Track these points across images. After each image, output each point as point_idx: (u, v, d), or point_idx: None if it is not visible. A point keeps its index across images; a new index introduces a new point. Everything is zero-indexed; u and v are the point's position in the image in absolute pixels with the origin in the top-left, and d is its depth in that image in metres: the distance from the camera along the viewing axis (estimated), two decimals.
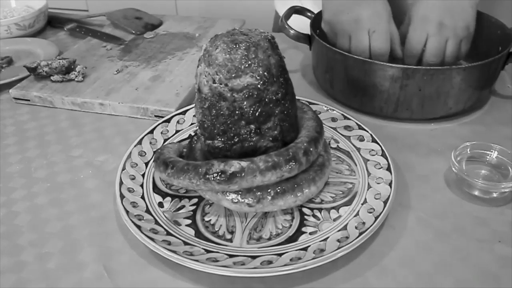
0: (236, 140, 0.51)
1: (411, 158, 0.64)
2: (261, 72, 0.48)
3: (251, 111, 0.49)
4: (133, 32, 0.99)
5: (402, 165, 0.63)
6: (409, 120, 0.71)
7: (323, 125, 0.62)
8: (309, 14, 0.86)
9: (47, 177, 0.63)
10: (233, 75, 0.48)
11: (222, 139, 0.51)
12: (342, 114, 0.68)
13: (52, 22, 1.10)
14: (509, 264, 0.49)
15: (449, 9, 0.71)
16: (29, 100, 0.79)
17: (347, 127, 0.66)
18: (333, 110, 0.68)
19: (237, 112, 0.49)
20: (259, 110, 0.49)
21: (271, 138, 0.52)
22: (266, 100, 0.49)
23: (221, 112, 0.49)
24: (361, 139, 0.63)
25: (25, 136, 0.72)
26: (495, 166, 0.60)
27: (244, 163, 0.49)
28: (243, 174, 0.48)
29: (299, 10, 0.86)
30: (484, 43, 0.80)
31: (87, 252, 0.51)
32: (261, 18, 1.28)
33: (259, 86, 0.48)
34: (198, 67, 0.50)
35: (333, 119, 0.67)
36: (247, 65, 0.47)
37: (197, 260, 0.46)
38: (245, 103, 0.49)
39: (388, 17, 0.72)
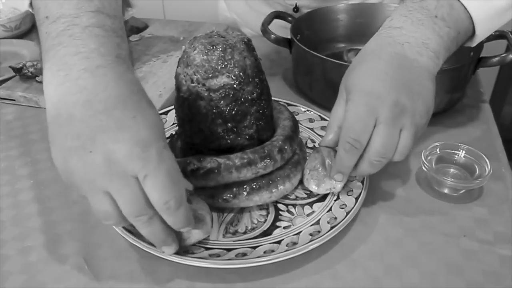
0: (213, 138, 0.53)
1: None
2: (237, 72, 0.50)
3: (227, 110, 0.51)
4: None
5: None
6: None
7: (300, 125, 0.65)
8: (290, 18, 0.88)
9: (31, 174, 0.64)
10: (210, 75, 0.50)
11: (200, 137, 0.53)
12: (319, 115, 0.70)
13: None
14: (472, 257, 0.51)
15: (405, 84, 0.50)
16: (14, 100, 0.80)
17: (323, 128, 0.68)
18: (311, 111, 0.71)
19: (214, 111, 0.51)
20: (235, 109, 0.51)
21: (247, 137, 0.54)
22: (242, 99, 0.51)
23: (199, 111, 0.52)
24: None
25: (9, 135, 0.73)
26: (463, 165, 0.63)
27: (220, 160, 0.51)
28: (219, 171, 0.51)
29: (280, 15, 0.89)
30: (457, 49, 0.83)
31: (69, 246, 0.53)
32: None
33: (235, 86, 0.50)
34: (177, 67, 0.52)
35: (311, 120, 0.70)
36: (223, 66, 0.49)
37: (174, 253, 0.48)
38: (221, 102, 0.51)
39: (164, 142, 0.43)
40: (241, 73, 0.50)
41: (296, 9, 1.03)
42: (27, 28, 1.07)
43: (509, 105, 2.05)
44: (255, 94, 0.52)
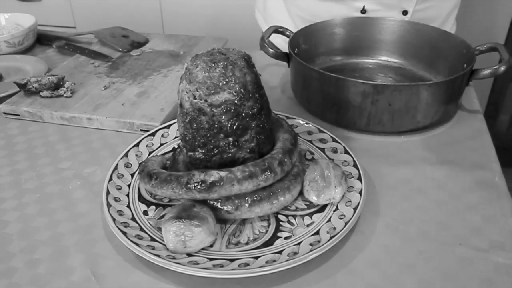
0: (215, 151, 0.55)
1: (382, 168, 0.69)
2: (237, 88, 0.52)
3: (229, 125, 0.53)
4: (120, 49, 1.02)
5: (373, 174, 0.67)
6: (381, 133, 0.76)
7: (299, 138, 0.67)
8: (288, 33, 0.91)
9: (37, 188, 0.66)
10: (212, 92, 0.52)
11: (203, 151, 0.55)
12: (318, 128, 0.72)
13: (41, 39, 1.13)
14: (468, 264, 0.53)
15: None
16: (19, 115, 0.82)
17: (322, 140, 0.70)
18: (309, 124, 0.73)
19: (216, 125, 0.53)
20: (236, 124, 0.53)
21: (248, 150, 0.56)
22: (243, 114, 0.53)
23: (201, 126, 0.53)
24: (335, 151, 0.68)
25: (15, 149, 0.75)
26: None
27: (223, 173, 0.52)
28: (222, 183, 0.52)
29: (279, 30, 0.91)
30: (451, 61, 0.86)
31: (75, 257, 0.54)
32: (246, 36, 1.33)
33: (236, 101, 0.52)
34: (180, 84, 0.54)
35: (309, 133, 0.72)
36: (224, 82, 0.51)
37: (179, 263, 0.49)
38: (223, 117, 0.53)
39: None
40: (241, 89, 0.52)
41: (364, 11, 1.01)
42: (30, 44, 1.09)
43: (504, 114, 2.08)
44: (255, 109, 0.54)
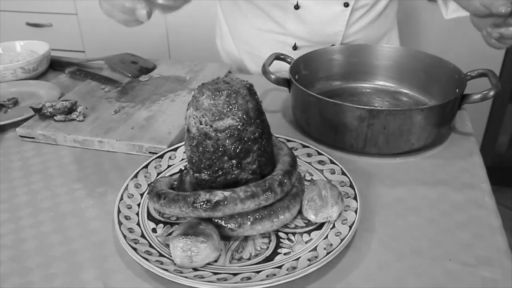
0: (220, 173, 0.59)
1: (377, 188, 0.72)
2: (240, 115, 0.56)
3: (232, 148, 0.57)
4: (129, 75, 1.07)
5: (369, 194, 0.71)
6: (377, 155, 0.80)
7: (299, 159, 0.71)
8: (289, 60, 0.96)
9: (52, 207, 0.70)
10: (216, 118, 0.56)
11: (208, 172, 0.59)
12: (316, 150, 0.76)
13: (53, 65, 1.19)
14: (456, 279, 0.56)
15: None
16: (34, 138, 0.87)
17: (320, 162, 0.74)
18: (309, 146, 0.77)
19: (220, 149, 0.57)
20: (239, 147, 0.58)
21: (250, 171, 0.60)
22: (245, 138, 0.57)
23: (207, 149, 0.58)
24: (333, 172, 0.72)
25: (30, 170, 0.79)
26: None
27: (226, 193, 0.57)
28: (226, 203, 0.56)
29: (280, 57, 0.96)
30: (444, 86, 0.90)
31: (89, 272, 0.58)
32: None
33: (239, 127, 0.57)
34: (187, 110, 0.59)
35: (308, 155, 0.76)
36: (228, 109, 0.56)
37: (186, 277, 0.53)
38: (227, 141, 0.57)
39: None
40: (244, 116, 0.56)
41: (295, 47, 1.11)
42: (44, 69, 1.14)
43: (503, 136, 2.12)
44: (257, 134, 0.58)
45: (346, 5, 1.04)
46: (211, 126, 0.57)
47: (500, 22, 0.79)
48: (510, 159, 2.10)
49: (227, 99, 0.56)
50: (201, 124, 0.57)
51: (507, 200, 1.83)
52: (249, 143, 0.58)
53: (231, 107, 0.56)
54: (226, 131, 0.57)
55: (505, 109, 2.06)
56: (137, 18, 0.65)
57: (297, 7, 1.04)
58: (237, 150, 0.58)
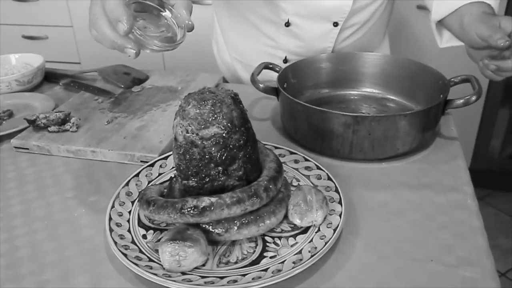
0: (207, 180, 0.61)
1: (363, 193, 0.74)
2: (225, 123, 0.58)
3: (218, 156, 0.59)
4: (122, 86, 1.10)
5: (355, 199, 0.73)
6: (363, 160, 0.82)
7: (286, 166, 0.73)
8: (277, 69, 0.98)
9: (45, 216, 0.72)
10: (202, 126, 0.58)
11: (195, 179, 0.61)
12: (303, 157, 0.78)
13: (48, 77, 1.21)
14: (438, 279, 0.58)
15: None
16: (28, 149, 0.89)
17: (307, 168, 0.76)
18: (296, 153, 0.79)
19: (207, 156, 0.59)
20: (225, 155, 0.59)
21: (236, 178, 0.62)
22: (231, 146, 0.59)
23: (194, 157, 0.60)
24: (319, 177, 0.73)
25: (25, 180, 0.81)
26: None
27: (213, 199, 0.58)
28: (212, 208, 0.58)
29: (269, 66, 0.98)
30: (429, 91, 0.92)
31: (81, 278, 0.60)
32: None
33: (224, 134, 0.59)
34: (174, 120, 0.61)
35: (296, 161, 0.78)
36: (213, 118, 0.58)
37: (174, 281, 0.55)
38: (213, 149, 0.59)
39: None
40: (229, 124, 0.59)
41: (286, 60, 1.14)
42: (38, 82, 1.17)
43: (495, 140, 2.14)
44: (242, 141, 0.60)
45: (335, 24, 1.06)
46: (197, 134, 0.59)
47: (496, 54, 0.81)
48: (503, 162, 2.13)
49: (212, 108, 0.58)
50: (187, 132, 0.59)
51: (500, 204, 1.84)
52: (235, 150, 0.60)
53: (216, 115, 0.58)
54: (212, 139, 0.59)
55: (497, 114, 2.09)
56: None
57: (287, 24, 1.08)
58: (223, 157, 0.60)
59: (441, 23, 0.97)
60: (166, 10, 0.67)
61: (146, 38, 0.63)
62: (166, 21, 0.66)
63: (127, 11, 0.60)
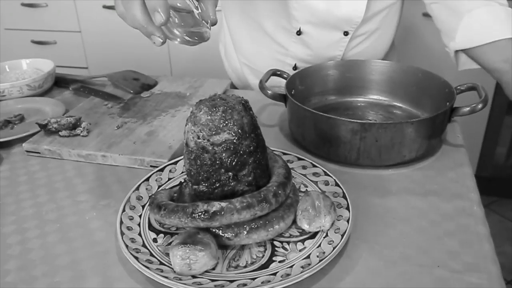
0: (217, 185, 0.62)
1: (370, 199, 0.75)
2: (236, 129, 0.60)
3: (229, 161, 0.60)
4: (131, 91, 1.11)
5: (362, 205, 0.74)
6: (370, 167, 0.83)
7: (294, 171, 0.74)
8: (285, 76, 0.99)
9: (57, 219, 0.73)
10: (213, 132, 0.59)
11: (206, 184, 0.62)
12: (311, 163, 0.79)
13: (58, 82, 1.22)
14: (444, 284, 0.59)
15: None
16: (39, 153, 0.90)
17: (315, 174, 0.77)
18: (304, 159, 0.80)
19: (217, 162, 0.61)
20: (235, 160, 0.61)
21: (246, 183, 0.63)
22: (241, 152, 0.61)
23: (205, 162, 0.61)
24: (327, 183, 0.74)
25: (36, 184, 0.82)
26: None
27: (223, 204, 0.59)
28: (222, 213, 0.59)
29: (277, 73, 0.99)
30: (435, 99, 0.93)
31: (92, 280, 0.61)
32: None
33: (234, 141, 0.60)
34: (186, 125, 0.62)
35: (304, 167, 0.79)
36: (224, 124, 0.59)
37: (185, 284, 0.56)
38: (223, 154, 0.60)
39: None
40: (239, 130, 0.60)
41: (295, 67, 1.15)
42: (49, 86, 1.18)
43: (501, 147, 2.14)
44: (252, 147, 0.61)
45: (346, 33, 1.09)
46: (208, 140, 0.60)
47: None
48: (508, 170, 2.13)
49: (223, 114, 0.59)
50: (198, 138, 0.60)
51: (506, 211, 1.84)
52: (245, 156, 0.61)
53: (227, 122, 0.59)
54: (223, 145, 0.60)
55: (502, 121, 2.09)
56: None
57: (299, 32, 1.09)
58: (233, 163, 0.61)
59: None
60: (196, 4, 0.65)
61: (177, 31, 0.61)
62: (193, 12, 0.64)
63: (166, 2, 0.57)
